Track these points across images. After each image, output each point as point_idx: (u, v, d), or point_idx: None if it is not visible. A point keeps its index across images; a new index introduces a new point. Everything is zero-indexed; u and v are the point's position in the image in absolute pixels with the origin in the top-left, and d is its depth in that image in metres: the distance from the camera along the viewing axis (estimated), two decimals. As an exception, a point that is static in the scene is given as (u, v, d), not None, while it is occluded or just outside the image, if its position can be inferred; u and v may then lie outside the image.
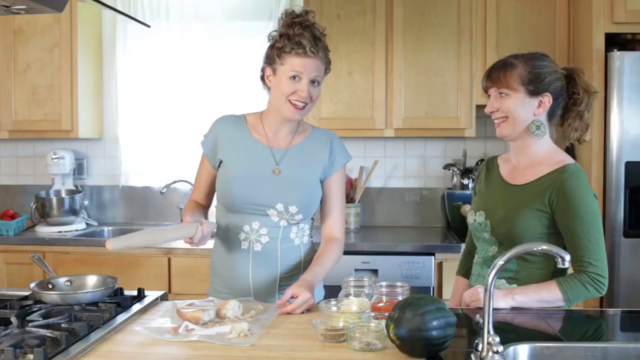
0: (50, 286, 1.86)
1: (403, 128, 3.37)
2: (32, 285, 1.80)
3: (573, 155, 3.25)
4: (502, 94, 1.83)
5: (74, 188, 3.73)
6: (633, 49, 2.98)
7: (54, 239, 3.33)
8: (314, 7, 3.36)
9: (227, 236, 2.01)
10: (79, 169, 3.85)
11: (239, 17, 3.68)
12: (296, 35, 1.84)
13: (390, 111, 3.37)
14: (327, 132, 2.09)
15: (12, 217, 3.47)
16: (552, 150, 1.90)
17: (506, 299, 1.75)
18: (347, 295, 1.72)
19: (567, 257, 1.32)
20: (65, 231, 3.49)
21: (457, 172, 3.59)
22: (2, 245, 3.33)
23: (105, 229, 3.70)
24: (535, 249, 1.36)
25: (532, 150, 1.88)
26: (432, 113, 3.35)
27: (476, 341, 1.32)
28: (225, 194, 1.98)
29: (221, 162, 2.00)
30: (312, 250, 2.05)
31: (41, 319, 1.66)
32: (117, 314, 1.72)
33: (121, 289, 1.90)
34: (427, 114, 3.36)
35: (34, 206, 3.53)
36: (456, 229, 3.42)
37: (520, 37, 3.29)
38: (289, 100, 1.88)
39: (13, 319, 1.61)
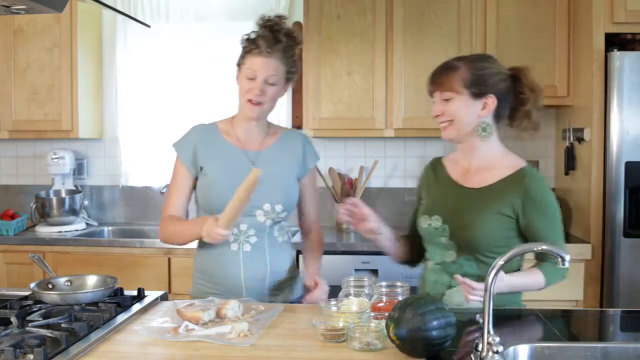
0: (50, 286, 1.86)
1: (403, 128, 3.37)
2: (32, 285, 1.80)
3: (573, 156, 3.26)
4: (447, 98, 1.82)
5: (74, 188, 3.73)
6: (633, 49, 2.98)
7: (54, 239, 3.33)
8: (313, 7, 3.36)
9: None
10: (79, 169, 3.85)
11: (239, 17, 3.68)
12: (257, 37, 1.93)
13: (390, 111, 3.37)
14: (299, 132, 2.19)
15: (12, 217, 3.47)
16: (504, 153, 1.89)
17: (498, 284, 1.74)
18: (347, 295, 1.73)
19: (567, 257, 1.31)
20: (65, 231, 3.49)
21: (457, 172, 3.58)
22: (2, 245, 3.33)
23: (105, 229, 3.70)
24: (535, 249, 1.37)
25: (481, 152, 1.87)
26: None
27: (476, 341, 1.32)
28: (211, 201, 2.00)
29: (201, 169, 2.02)
30: (292, 248, 2.17)
31: (41, 319, 1.66)
32: (117, 314, 1.72)
33: (121, 289, 1.90)
34: (427, 114, 3.34)
35: (34, 206, 3.53)
36: (456, 229, 3.42)
37: (520, 37, 3.29)
38: (246, 98, 1.96)
39: (13, 319, 1.61)
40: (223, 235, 1.80)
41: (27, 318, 1.65)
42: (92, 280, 1.91)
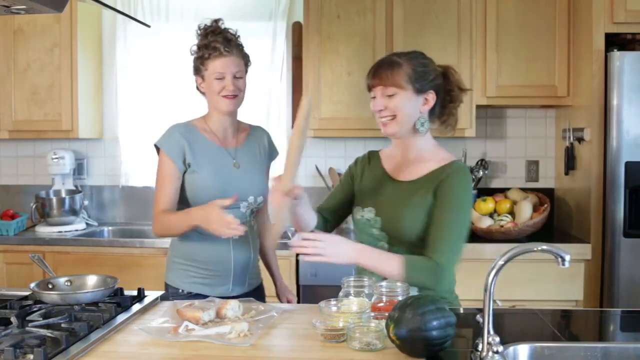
0: (50, 286, 1.86)
1: (403, 128, 3.37)
2: (32, 285, 1.80)
3: (573, 156, 3.26)
4: (390, 93, 1.82)
5: (74, 188, 3.73)
6: (633, 49, 2.98)
7: (54, 239, 3.33)
8: (313, 7, 3.36)
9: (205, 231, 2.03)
10: (79, 169, 3.85)
11: (239, 17, 3.68)
12: (210, 42, 2.11)
13: (390, 111, 3.37)
14: (262, 128, 2.34)
15: (12, 217, 3.47)
16: (437, 147, 1.92)
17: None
18: (347, 295, 1.72)
19: (567, 257, 1.31)
20: (65, 231, 3.49)
21: (457, 172, 3.58)
22: (2, 245, 3.33)
23: (105, 229, 3.70)
24: (535, 249, 1.36)
25: (417, 147, 1.89)
26: (432, 113, 3.34)
27: (476, 341, 1.32)
28: (200, 198, 2.07)
29: (189, 166, 2.09)
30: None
31: (41, 319, 1.66)
32: (117, 314, 1.72)
33: (121, 289, 1.90)
34: (427, 114, 3.35)
35: (34, 206, 3.53)
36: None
37: (520, 37, 3.29)
38: (221, 96, 2.11)
39: (13, 319, 1.61)
40: (236, 228, 1.87)
41: (27, 318, 1.65)
42: (92, 280, 1.91)
